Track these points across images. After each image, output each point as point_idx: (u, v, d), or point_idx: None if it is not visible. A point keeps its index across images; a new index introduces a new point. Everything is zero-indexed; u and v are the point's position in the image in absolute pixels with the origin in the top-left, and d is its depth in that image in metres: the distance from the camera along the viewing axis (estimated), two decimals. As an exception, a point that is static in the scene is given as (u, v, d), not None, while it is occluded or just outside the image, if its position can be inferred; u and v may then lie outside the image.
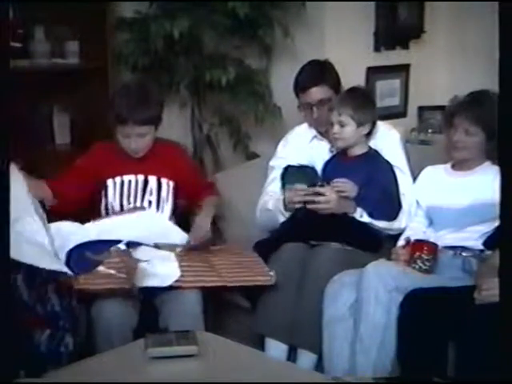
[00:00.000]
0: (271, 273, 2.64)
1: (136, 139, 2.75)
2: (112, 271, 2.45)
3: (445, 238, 2.73)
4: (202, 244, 2.78)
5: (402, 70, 4.09)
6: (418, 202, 2.89)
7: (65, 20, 3.55)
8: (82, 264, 2.49)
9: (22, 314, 2.33)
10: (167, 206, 2.85)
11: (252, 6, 3.48)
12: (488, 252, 2.59)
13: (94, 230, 2.66)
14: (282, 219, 2.94)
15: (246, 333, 2.68)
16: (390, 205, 2.85)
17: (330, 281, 2.62)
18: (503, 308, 1.70)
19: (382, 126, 3.01)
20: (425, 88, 4.17)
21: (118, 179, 2.84)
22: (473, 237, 2.69)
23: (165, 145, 2.93)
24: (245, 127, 3.87)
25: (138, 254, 2.59)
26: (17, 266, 2.27)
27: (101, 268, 2.46)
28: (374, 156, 2.92)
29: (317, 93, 2.99)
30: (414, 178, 2.97)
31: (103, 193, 2.85)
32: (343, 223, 2.81)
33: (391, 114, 3.86)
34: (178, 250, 2.71)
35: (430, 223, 2.85)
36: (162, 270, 2.55)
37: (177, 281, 2.54)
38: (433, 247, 2.64)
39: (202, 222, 2.80)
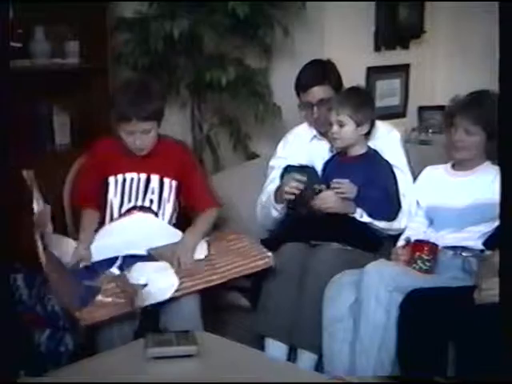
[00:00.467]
0: (269, 254, 2.63)
1: (141, 136, 2.73)
2: (109, 299, 2.44)
3: (445, 238, 2.73)
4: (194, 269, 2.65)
5: (402, 69, 4.09)
6: (418, 202, 2.88)
7: (65, 20, 3.56)
8: (82, 295, 2.49)
9: (22, 314, 2.33)
10: (169, 206, 2.83)
11: (252, 6, 3.48)
12: (488, 252, 2.59)
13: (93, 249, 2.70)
14: (275, 213, 2.95)
15: (246, 333, 2.68)
16: (389, 205, 2.85)
17: (330, 281, 2.62)
18: (503, 308, 1.70)
19: (382, 126, 3.01)
20: (425, 88, 4.17)
21: (119, 177, 2.82)
22: (473, 237, 2.69)
23: (168, 142, 2.89)
24: (245, 127, 3.87)
25: (134, 272, 2.55)
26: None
27: (99, 298, 2.45)
28: (373, 156, 2.92)
29: (318, 92, 2.99)
30: (414, 178, 2.97)
31: (105, 190, 2.84)
32: (343, 223, 2.81)
33: (391, 114, 3.86)
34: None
35: (430, 223, 2.85)
36: (161, 284, 2.53)
37: (176, 290, 2.53)
38: (433, 247, 2.64)
39: (188, 240, 2.72)
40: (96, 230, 2.77)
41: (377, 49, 3.96)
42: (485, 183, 2.68)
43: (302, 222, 2.85)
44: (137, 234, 2.70)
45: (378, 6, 3.88)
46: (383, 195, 2.82)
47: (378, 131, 2.97)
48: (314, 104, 2.99)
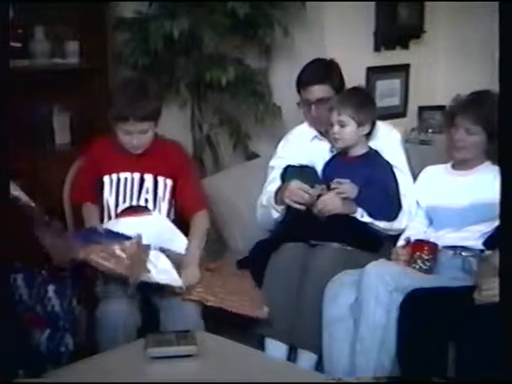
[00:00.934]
0: (265, 309, 2.62)
1: (138, 136, 2.73)
2: (123, 254, 2.46)
3: (445, 237, 2.73)
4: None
5: (402, 70, 4.09)
6: (418, 202, 2.89)
7: (65, 20, 3.55)
8: (84, 235, 2.56)
9: (22, 314, 2.33)
10: (164, 204, 2.82)
11: (252, 6, 3.48)
12: (488, 252, 2.59)
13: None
14: (275, 214, 2.95)
15: (246, 333, 2.68)
16: (390, 205, 2.85)
17: (330, 281, 2.62)
18: (503, 308, 1.71)
19: (382, 126, 3.01)
20: (425, 88, 4.17)
21: (114, 176, 2.82)
22: (473, 236, 2.69)
23: (164, 143, 2.90)
24: (245, 127, 3.87)
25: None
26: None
27: (116, 247, 2.47)
28: (374, 156, 2.92)
29: (317, 91, 2.99)
30: (414, 178, 2.97)
31: (101, 189, 2.84)
32: (343, 223, 2.81)
33: (391, 114, 3.86)
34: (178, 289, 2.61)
35: (430, 223, 2.85)
36: (166, 269, 2.57)
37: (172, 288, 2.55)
38: (433, 247, 2.64)
39: (193, 256, 2.71)
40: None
41: (377, 49, 3.96)
42: (485, 183, 2.68)
43: (302, 222, 2.85)
44: (146, 233, 2.69)
45: (377, 6, 3.88)
46: (384, 195, 2.83)
47: (379, 131, 2.97)
48: (312, 102, 2.99)
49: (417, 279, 2.54)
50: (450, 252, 2.68)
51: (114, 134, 2.83)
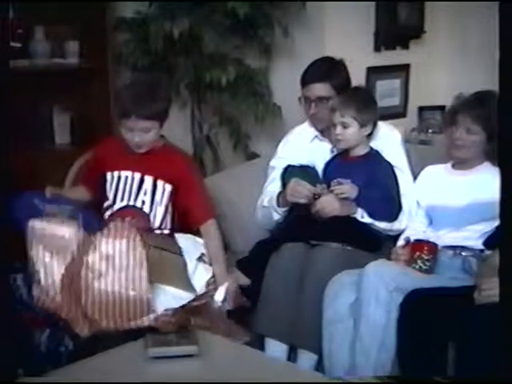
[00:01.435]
0: (247, 336, 2.58)
1: (139, 134, 2.72)
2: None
3: (445, 237, 2.73)
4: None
5: (402, 70, 4.09)
6: (417, 202, 2.89)
7: (65, 20, 3.55)
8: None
9: (22, 314, 2.33)
10: (160, 209, 2.80)
11: (252, 5, 3.48)
12: (488, 252, 2.59)
13: None
14: (276, 216, 2.95)
15: (246, 333, 2.68)
16: (390, 206, 2.85)
17: (330, 281, 2.62)
18: (503, 308, 1.71)
19: (383, 126, 3.01)
20: (425, 88, 4.17)
21: (115, 173, 2.82)
22: (473, 236, 2.69)
23: (170, 149, 2.88)
24: (245, 127, 3.87)
25: None
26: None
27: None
28: (375, 157, 2.92)
29: (317, 89, 2.98)
30: (414, 178, 2.97)
31: (103, 186, 2.84)
32: (343, 223, 2.80)
33: (391, 114, 3.86)
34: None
35: (430, 223, 2.85)
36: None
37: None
38: (433, 247, 2.64)
39: (227, 280, 2.70)
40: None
41: (377, 49, 3.95)
42: (484, 183, 2.68)
43: (302, 222, 2.85)
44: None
45: (377, 6, 3.88)
46: (384, 196, 2.83)
47: (379, 131, 2.97)
48: (312, 100, 2.99)
49: (417, 279, 2.54)
50: (450, 252, 2.68)
51: (114, 134, 2.83)
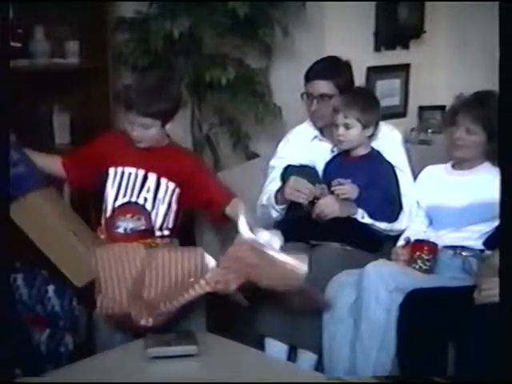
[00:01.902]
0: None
1: (138, 128, 2.73)
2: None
3: (445, 237, 2.73)
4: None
5: (402, 69, 4.08)
6: (418, 202, 2.89)
7: (65, 20, 3.55)
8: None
9: (22, 313, 2.33)
10: (162, 208, 2.80)
11: (252, 5, 3.48)
12: (488, 252, 2.59)
13: None
14: (274, 214, 2.95)
15: (246, 333, 2.68)
16: (391, 206, 2.85)
17: (330, 281, 2.62)
18: (503, 308, 1.70)
19: (383, 126, 3.01)
20: (425, 88, 4.16)
21: (119, 169, 2.82)
22: (473, 236, 2.69)
23: (176, 149, 2.90)
24: (245, 127, 3.86)
25: None
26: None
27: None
28: (376, 157, 2.92)
29: (321, 86, 2.98)
30: (414, 178, 2.97)
31: (105, 181, 2.84)
32: (343, 223, 2.81)
33: (391, 114, 3.85)
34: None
35: (430, 223, 2.85)
36: None
37: None
38: (433, 247, 2.64)
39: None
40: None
41: (377, 49, 3.95)
42: (484, 183, 2.68)
43: (302, 222, 2.85)
44: None
45: (377, 6, 3.87)
46: (385, 196, 2.82)
47: (380, 131, 2.97)
48: (314, 97, 3.00)
49: (417, 279, 2.54)
50: (450, 252, 2.68)
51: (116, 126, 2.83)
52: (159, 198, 2.80)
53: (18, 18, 3.27)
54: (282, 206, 2.93)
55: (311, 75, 3.03)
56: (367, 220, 2.82)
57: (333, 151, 3.01)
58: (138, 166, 2.81)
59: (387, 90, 4.00)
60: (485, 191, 2.63)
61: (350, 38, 3.79)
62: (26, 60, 3.39)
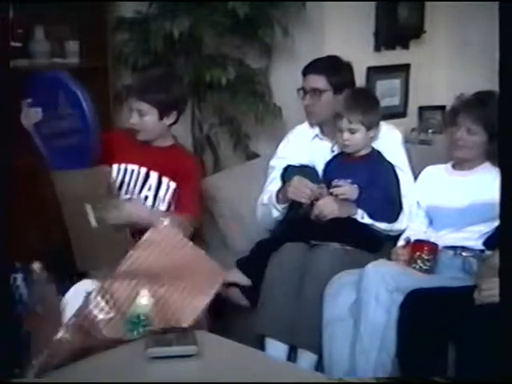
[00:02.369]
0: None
1: (135, 115, 2.79)
2: None
3: (445, 237, 2.73)
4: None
5: (402, 69, 4.08)
6: (418, 202, 2.89)
7: (65, 20, 3.55)
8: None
9: (22, 313, 2.33)
10: (162, 206, 2.82)
11: (252, 5, 3.48)
12: (488, 252, 2.59)
13: None
14: (275, 213, 2.96)
15: (246, 333, 2.68)
16: (391, 207, 2.85)
17: (330, 281, 2.62)
18: (503, 308, 1.71)
19: (383, 126, 3.01)
20: (425, 88, 4.16)
21: (122, 166, 2.85)
22: (473, 237, 2.69)
23: (181, 150, 2.94)
24: (245, 127, 3.87)
25: None
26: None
27: None
28: (376, 157, 2.92)
29: (313, 80, 3.00)
30: (414, 178, 2.97)
31: None
32: (343, 223, 2.81)
33: (391, 114, 3.85)
34: None
35: (430, 223, 2.85)
36: None
37: None
38: (433, 247, 2.64)
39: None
40: None
41: (377, 49, 3.95)
42: (485, 183, 2.68)
43: (302, 222, 2.85)
44: None
45: (377, 6, 3.87)
46: (385, 197, 2.83)
47: (381, 131, 2.97)
48: (307, 91, 3.00)
49: (417, 279, 2.54)
50: (450, 252, 2.68)
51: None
52: (160, 196, 2.81)
53: (18, 18, 3.28)
54: (283, 205, 2.93)
55: (307, 70, 3.06)
56: (367, 220, 2.82)
57: (333, 150, 3.01)
58: (140, 164, 2.83)
59: (387, 90, 4.00)
60: (485, 191, 2.63)
61: (350, 38, 3.79)
62: (25, 60, 3.39)
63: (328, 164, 2.98)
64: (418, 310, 2.40)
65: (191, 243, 2.42)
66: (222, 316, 2.78)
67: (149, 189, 2.82)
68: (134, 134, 2.84)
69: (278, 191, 2.95)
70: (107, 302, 2.19)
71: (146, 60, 3.59)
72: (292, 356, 2.68)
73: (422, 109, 4.13)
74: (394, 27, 3.94)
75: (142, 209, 2.78)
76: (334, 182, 2.81)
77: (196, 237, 3.00)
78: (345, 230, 2.80)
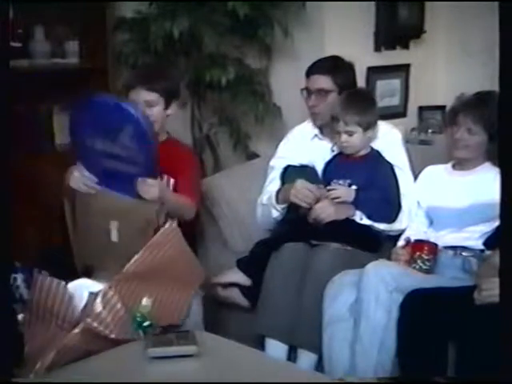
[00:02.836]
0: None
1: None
2: None
3: (445, 237, 2.73)
4: None
5: (402, 69, 4.08)
6: (418, 202, 2.88)
7: (65, 20, 3.55)
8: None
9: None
10: None
11: (252, 5, 3.48)
12: (488, 252, 2.59)
13: None
14: (275, 213, 2.96)
15: (246, 333, 2.68)
16: (389, 208, 2.85)
17: (330, 281, 2.62)
18: (503, 308, 1.70)
19: (383, 125, 3.01)
20: (425, 88, 4.16)
21: None
22: (473, 237, 2.69)
23: (177, 144, 2.93)
24: (245, 127, 3.86)
25: None
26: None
27: None
28: (376, 157, 2.91)
29: (319, 80, 2.99)
30: (414, 178, 2.97)
31: None
32: (343, 224, 2.81)
33: (391, 114, 3.85)
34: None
35: (430, 223, 2.85)
36: None
37: None
38: (433, 247, 2.64)
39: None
40: None
41: (377, 49, 3.95)
42: (485, 183, 2.68)
43: (302, 222, 2.85)
44: None
45: (377, 6, 3.87)
46: (384, 198, 2.82)
47: (380, 131, 2.97)
48: (312, 92, 3.00)
49: (417, 279, 2.54)
50: (451, 252, 2.68)
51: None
52: None
53: (18, 18, 3.28)
54: (282, 206, 2.93)
55: (311, 70, 3.05)
56: (366, 221, 2.82)
57: (333, 150, 3.01)
58: None
59: (387, 90, 4.00)
60: (485, 191, 2.63)
61: (350, 38, 3.78)
62: (25, 60, 3.39)
63: (328, 164, 2.98)
64: (417, 310, 2.40)
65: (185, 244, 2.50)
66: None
67: None
68: None
69: (278, 191, 2.95)
70: (116, 304, 2.20)
71: (146, 60, 3.59)
72: (292, 356, 2.68)
73: (421, 109, 4.13)
74: (393, 27, 3.94)
75: (168, 189, 2.77)
76: (331, 185, 2.81)
77: (196, 237, 3.01)
78: (344, 231, 2.80)
